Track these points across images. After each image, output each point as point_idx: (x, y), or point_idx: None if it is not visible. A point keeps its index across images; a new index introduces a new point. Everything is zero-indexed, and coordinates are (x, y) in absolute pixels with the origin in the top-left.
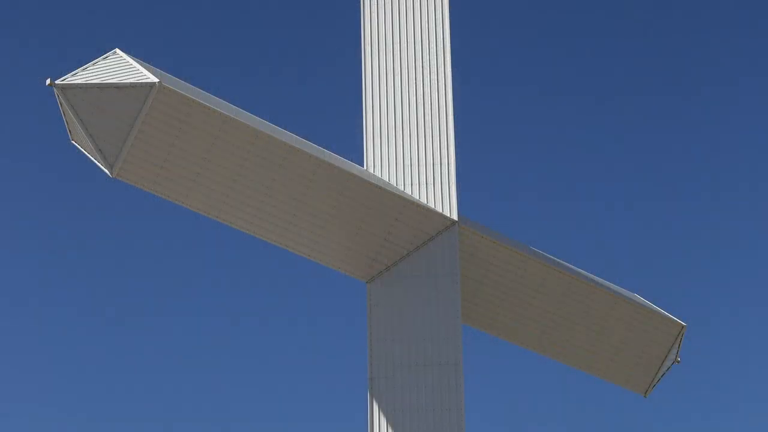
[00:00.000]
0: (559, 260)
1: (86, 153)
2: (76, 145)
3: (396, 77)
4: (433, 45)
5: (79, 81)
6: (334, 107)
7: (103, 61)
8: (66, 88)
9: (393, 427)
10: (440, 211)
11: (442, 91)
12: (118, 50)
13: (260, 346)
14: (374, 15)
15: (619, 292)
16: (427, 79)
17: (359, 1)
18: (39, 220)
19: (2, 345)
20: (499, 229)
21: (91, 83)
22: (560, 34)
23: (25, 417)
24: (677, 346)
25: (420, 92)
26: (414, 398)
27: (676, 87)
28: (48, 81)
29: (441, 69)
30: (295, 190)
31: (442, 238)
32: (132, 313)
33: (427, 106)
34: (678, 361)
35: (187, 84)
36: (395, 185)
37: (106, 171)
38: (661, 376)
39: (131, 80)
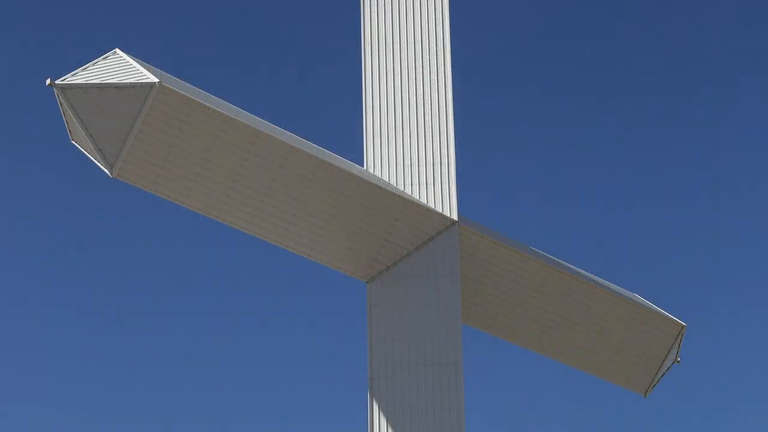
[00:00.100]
0: (559, 260)
1: (86, 153)
2: (76, 145)
3: (396, 77)
4: (433, 45)
5: (79, 81)
6: (334, 107)
7: (103, 61)
8: (66, 88)
9: (393, 427)
10: (440, 211)
11: (442, 91)
12: (118, 50)
13: (260, 346)
14: (374, 15)
15: (619, 292)
16: (427, 79)
17: (359, 1)
18: (39, 220)
19: (2, 345)
20: (499, 229)
21: (91, 83)
22: (560, 34)
23: (25, 417)
24: (677, 346)
25: (420, 92)
26: (414, 398)
27: (676, 87)
28: (48, 81)
29: (441, 69)
30: (295, 190)
31: (442, 238)
32: (132, 313)
33: (427, 106)
34: (678, 361)
35: (187, 84)
36: (395, 185)
37: (106, 171)
38: (661, 376)
39: (131, 80)
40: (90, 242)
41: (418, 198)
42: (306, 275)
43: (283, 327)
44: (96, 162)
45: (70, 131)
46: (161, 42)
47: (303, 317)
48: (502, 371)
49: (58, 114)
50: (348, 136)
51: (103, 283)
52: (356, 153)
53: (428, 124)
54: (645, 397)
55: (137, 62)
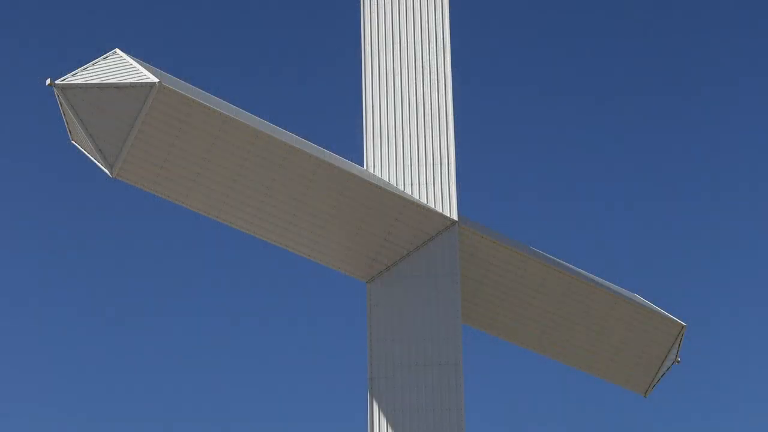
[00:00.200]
0: (559, 260)
1: (86, 153)
2: (76, 145)
3: (396, 77)
4: (433, 45)
5: (79, 81)
6: (334, 107)
7: (103, 61)
8: (66, 88)
9: (393, 427)
10: (440, 211)
11: (442, 91)
12: (118, 50)
13: (260, 346)
14: (374, 15)
15: (619, 292)
16: (427, 79)
17: (359, 1)
18: (39, 220)
19: (2, 345)
20: (499, 229)
21: (91, 83)
22: (560, 34)
23: (25, 417)
24: (677, 346)
25: (420, 92)
26: (414, 398)
27: (676, 87)
28: (48, 81)
29: (441, 69)
30: (295, 190)
31: (442, 238)
32: (132, 313)
33: (427, 106)
34: (678, 361)
35: (187, 84)
36: (395, 185)
37: (106, 171)
38: (661, 376)
39: (131, 80)
40: (90, 242)
41: (418, 198)
42: (306, 275)
43: (283, 327)
44: (96, 162)
45: (70, 131)
46: (161, 42)
47: (303, 317)
48: (502, 371)
49: (58, 114)
50: (348, 136)
51: (103, 283)
52: (356, 153)
53: (428, 124)
54: (645, 397)
55: (137, 62)
